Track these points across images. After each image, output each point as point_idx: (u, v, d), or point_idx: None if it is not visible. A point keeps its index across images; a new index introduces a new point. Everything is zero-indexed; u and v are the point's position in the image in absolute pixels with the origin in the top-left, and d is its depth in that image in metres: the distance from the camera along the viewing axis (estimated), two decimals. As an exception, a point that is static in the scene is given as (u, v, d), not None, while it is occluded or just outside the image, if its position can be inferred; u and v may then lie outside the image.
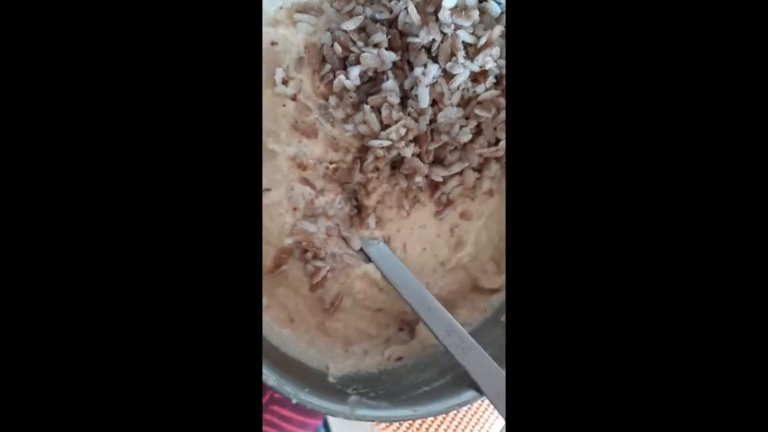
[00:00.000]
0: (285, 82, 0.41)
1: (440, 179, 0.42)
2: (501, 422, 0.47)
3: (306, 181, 0.41)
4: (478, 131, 0.41)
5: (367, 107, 0.40)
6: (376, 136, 0.40)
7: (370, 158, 0.41)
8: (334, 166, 0.42)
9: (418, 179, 0.42)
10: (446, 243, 0.43)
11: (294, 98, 0.41)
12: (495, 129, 0.41)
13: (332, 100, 0.41)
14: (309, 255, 0.41)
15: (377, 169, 0.41)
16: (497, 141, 0.41)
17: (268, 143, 0.40)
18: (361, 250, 0.42)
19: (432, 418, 0.49)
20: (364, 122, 0.40)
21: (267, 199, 0.40)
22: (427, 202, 0.43)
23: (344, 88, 0.40)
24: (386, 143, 0.39)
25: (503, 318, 0.41)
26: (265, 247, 0.40)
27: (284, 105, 0.41)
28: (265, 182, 0.40)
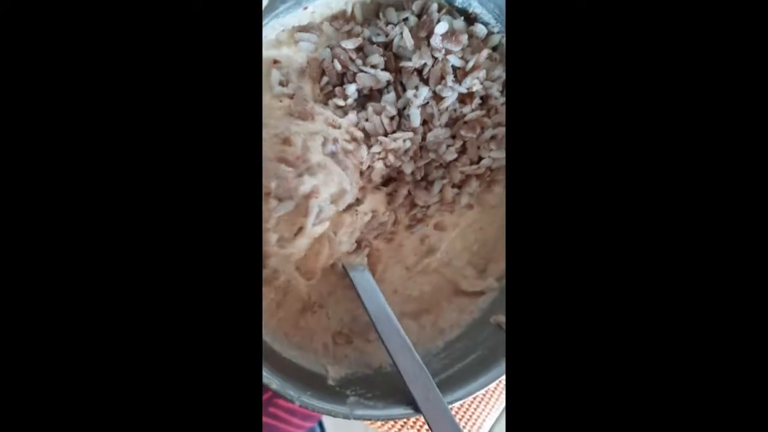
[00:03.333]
0: (283, 84, 0.42)
1: (421, 203, 0.44)
2: (491, 420, 0.49)
3: (285, 161, 0.40)
4: (462, 150, 0.44)
5: (370, 109, 0.42)
6: (383, 135, 0.42)
7: (376, 148, 0.42)
8: (333, 137, 0.41)
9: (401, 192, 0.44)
10: (414, 251, 0.45)
11: (291, 97, 0.42)
12: (478, 148, 0.44)
13: (332, 104, 0.43)
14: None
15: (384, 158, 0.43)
16: (479, 159, 0.44)
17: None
18: (344, 269, 0.42)
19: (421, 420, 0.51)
20: (367, 120, 0.42)
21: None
22: (404, 218, 0.45)
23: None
24: (395, 145, 0.42)
25: (492, 319, 0.43)
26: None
27: (281, 101, 0.41)
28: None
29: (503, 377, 0.39)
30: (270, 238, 0.39)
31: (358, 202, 0.43)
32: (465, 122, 0.44)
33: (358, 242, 0.44)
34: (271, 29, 0.41)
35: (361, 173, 0.43)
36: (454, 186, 0.45)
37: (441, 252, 0.45)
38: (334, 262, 0.43)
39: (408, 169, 0.43)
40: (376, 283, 0.42)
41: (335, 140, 0.41)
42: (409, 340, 0.38)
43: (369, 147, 0.43)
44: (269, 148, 0.40)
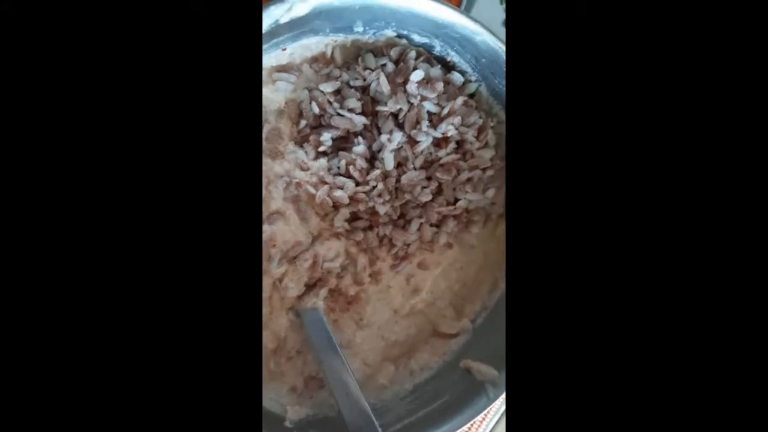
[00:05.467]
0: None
1: (400, 244, 0.45)
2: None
3: None
4: (438, 191, 0.45)
5: (343, 161, 0.43)
6: (353, 184, 0.43)
7: (338, 193, 0.43)
8: (296, 181, 0.43)
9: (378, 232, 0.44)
10: (401, 291, 0.45)
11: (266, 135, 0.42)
12: (454, 189, 0.45)
13: (307, 146, 0.43)
14: None
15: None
16: (455, 200, 0.45)
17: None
18: (297, 314, 0.43)
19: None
20: (338, 168, 0.43)
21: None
22: (386, 258, 0.45)
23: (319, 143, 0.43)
24: (366, 188, 0.43)
25: (462, 363, 0.43)
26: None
27: None
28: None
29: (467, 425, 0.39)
30: None
31: (312, 244, 0.43)
32: (441, 165, 0.44)
33: (309, 285, 0.43)
34: (253, 68, 0.42)
35: (323, 217, 0.43)
36: (431, 225, 0.45)
37: (426, 291, 0.45)
38: (291, 306, 0.43)
39: (381, 210, 0.43)
40: (365, 327, 0.42)
41: (298, 184, 0.41)
42: (357, 389, 0.37)
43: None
44: None
